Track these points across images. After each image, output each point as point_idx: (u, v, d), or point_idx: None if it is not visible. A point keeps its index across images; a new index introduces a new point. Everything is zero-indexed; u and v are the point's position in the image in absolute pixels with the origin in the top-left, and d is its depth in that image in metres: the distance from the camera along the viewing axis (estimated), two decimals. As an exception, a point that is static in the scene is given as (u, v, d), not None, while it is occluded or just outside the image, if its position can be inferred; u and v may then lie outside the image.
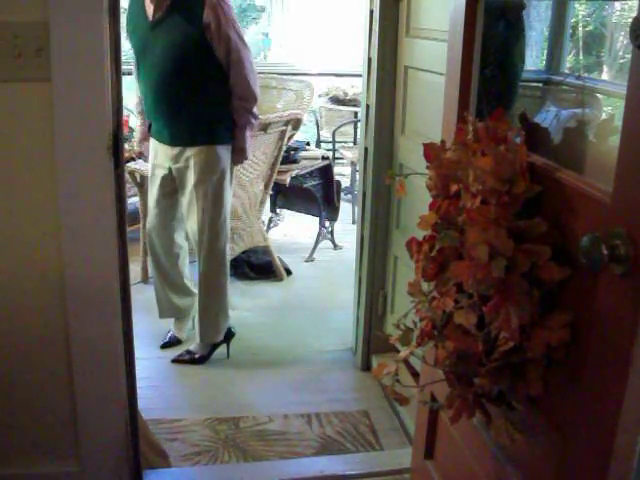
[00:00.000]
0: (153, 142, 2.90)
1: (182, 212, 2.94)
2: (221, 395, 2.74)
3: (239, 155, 2.87)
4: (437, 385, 1.31)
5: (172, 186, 2.90)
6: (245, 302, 3.46)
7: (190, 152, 2.76)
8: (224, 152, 2.79)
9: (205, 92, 2.73)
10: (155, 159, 2.90)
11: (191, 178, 2.79)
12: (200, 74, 2.70)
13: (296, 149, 4.15)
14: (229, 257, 3.03)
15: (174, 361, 2.97)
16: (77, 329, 1.83)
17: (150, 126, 2.90)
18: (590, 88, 1.61)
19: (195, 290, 3.06)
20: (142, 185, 3.66)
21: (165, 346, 3.09)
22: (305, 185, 4.09)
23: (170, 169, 2.85)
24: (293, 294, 3.73)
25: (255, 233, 3.77)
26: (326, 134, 5.95)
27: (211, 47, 2.64)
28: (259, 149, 3.55)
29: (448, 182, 1.23)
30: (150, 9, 2.66)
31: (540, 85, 2.00)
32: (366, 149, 2.82)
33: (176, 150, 2.79)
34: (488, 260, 1.06)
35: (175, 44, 2.64)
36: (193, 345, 3.02)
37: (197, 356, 2.99)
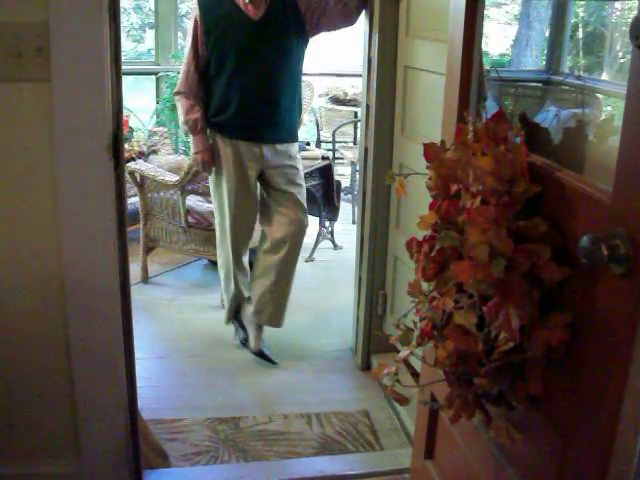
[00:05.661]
0: (235, 144, 2.83)
1: (273, 206, 2.97)
2: (221, 395, 2.74)
3: None
4: (437, 385, 1.31)
5: (256, 186, 2.95)
6: (245, 302, 3.45)
7: (288, 148, 2.90)
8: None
9: (297, 87, 2.89)
10: (238, 161, 2.84)
11: (290, 174, 2.91)
12: (297, 66, 2.85)
13: (296, 149, 4.15)
14: None
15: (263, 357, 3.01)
16: (77, 329, 1.83)
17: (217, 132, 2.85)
18: (590, 88, 1.61)
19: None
20: (142, 185, 3.66)
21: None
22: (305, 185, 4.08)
23: (261, 169, 2.88)
24: (293, 294, 3.72)
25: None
26: (326, 134, 5.94)
27: (306, 39, 2.79)
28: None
29: (448, 182, 1.23)
30: (247, 8, 2.69)
31: (540, 85, 2.00)
32: (366, 149, 2.82)
33: (273, 148, 2.85)
34: (488, 260, 1.06)
35: (285, 39, 2.74)
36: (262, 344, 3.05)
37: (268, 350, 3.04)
